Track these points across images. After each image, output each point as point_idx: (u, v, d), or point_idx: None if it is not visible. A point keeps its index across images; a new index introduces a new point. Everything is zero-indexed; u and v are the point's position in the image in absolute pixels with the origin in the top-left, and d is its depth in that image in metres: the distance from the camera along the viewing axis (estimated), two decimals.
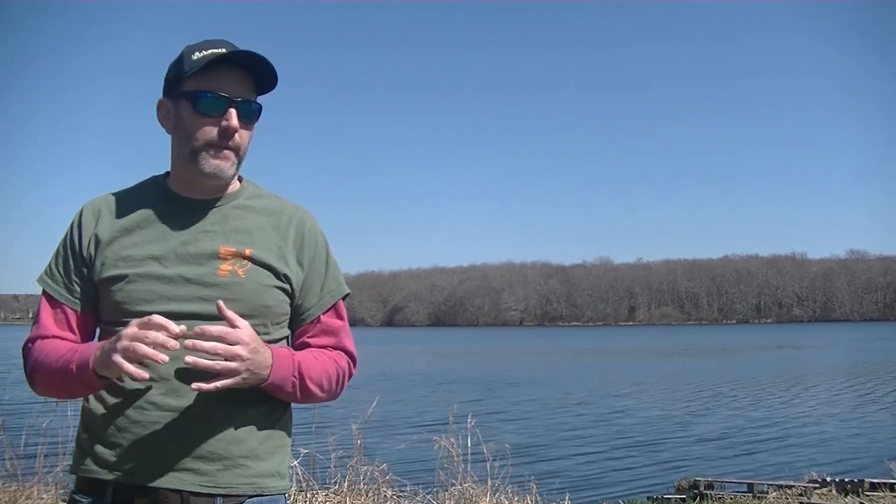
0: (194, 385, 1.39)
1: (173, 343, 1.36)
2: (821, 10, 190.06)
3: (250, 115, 1.54)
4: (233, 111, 1.49)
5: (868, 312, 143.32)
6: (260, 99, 1.58)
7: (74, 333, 1.56)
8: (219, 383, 1.39)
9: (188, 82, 1.50)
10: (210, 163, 1.51)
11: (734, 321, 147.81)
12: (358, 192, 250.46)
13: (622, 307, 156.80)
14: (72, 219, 1.60)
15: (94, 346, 1.45)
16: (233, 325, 1.41)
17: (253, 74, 1.53)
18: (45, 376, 1.52)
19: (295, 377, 1.51)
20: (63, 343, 1.53)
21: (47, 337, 1.54)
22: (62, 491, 4.83)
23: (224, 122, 1.49)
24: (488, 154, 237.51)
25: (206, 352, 1.37)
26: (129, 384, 1.46)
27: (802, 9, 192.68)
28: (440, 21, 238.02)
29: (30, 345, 1.56)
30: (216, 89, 1.49)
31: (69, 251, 1.57)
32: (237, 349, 1.39)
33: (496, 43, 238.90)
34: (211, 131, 1.50)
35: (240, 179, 1.64)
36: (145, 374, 1.36)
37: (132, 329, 1.37)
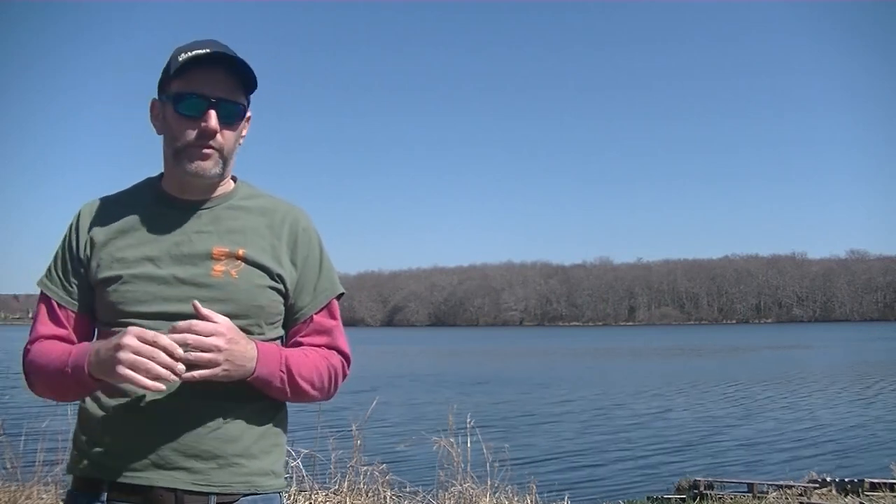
0: (185, 375, 1.38)
1: (181, 368, 1.37)
2: (821, 10, 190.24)
3: (232, 116, 1.53)
4: (212, 112, 1.49)
5: (868, 312, 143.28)
6: (259, 99, 1.59)
7: (72, 334, 1.56)
8: (196, 373, 1.38)
9: (173, 84, 1.51)
10: (193, 163, 1.51)
11: (734, 321, 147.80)
12: (358, 192, 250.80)
13: (622, 307, 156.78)
14: (69, 221, 1.61)
15: (89, 349, 1.45)
16: (209, 321, 1.42)
17: (237, 75, 1.53)
18: (41, 378, 1.53)
19: (283, 371, 1.51)
20: (58, 345, 1.53)
21: (44, 338, 1.55)
22: (62, 491, 4.84)
23: (203, 124, 1.49)
24: (488, 154, 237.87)
25: (176, 343, 1.37)
26: (125, 385, 1.46)
27: (802, 9, 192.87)
28: (440, 21, 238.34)
29: (28, 347, 1.56)
30: (197, 90, 1.49)
31: (67, 253, 1.58)
32: (212, 340, 1.39)
33: (496, 43, 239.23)
34: (192, 132, 1.50)
35: (234, 180, 1.64)
36: (162, 387, 1.36)
37: (134, 342, 1.36)
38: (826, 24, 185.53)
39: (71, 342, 1.55)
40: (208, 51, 1.49)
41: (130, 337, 1.36)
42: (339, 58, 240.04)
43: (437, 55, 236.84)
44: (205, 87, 1.49)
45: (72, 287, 1.56)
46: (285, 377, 1.51)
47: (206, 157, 1.51)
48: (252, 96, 1.61)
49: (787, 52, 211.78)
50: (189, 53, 1.48)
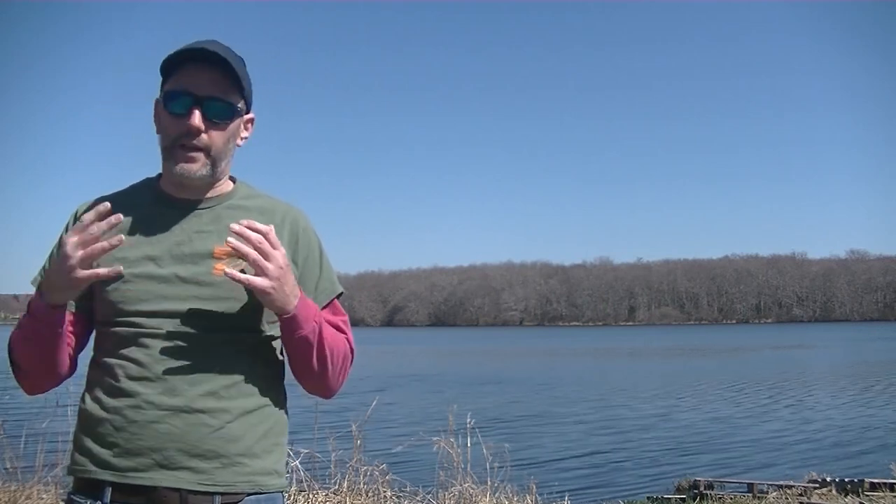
0: (239, 275, 1.41)
1: (118, 216, 1.39)
2: (821, 10, 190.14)
3: (220, 114, 1.52)
4: (195, 110, 1.49)
5: (868, 312, 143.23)
6: (259, 99, 1.59)
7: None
8: (251, 278, 1.42)
9: (168, 82, 1.52)
10: (177, 164, 1.52)
11: (734, 321, 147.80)
12: (358, 192, 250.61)
13: (622, 307, 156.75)
14: (66, 221, 1.60)
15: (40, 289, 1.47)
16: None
17: (231, 73, 1.52)
18: (21, 351, 1.51)
19: (316, 322, 1.51)
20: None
21: None
22: (62, 491, 4.84)
23: (187, 122, 1.49)
24: (488, 154, 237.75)
25: (251, 242, 1.41)
26: (124, 383, 1.47)
27: (802, 9, 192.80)
28: (440, 21, 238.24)
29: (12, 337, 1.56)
30: (183, 88, 1.50)
31: None
32: (277, 253, 1.44)
33: (496, 43, 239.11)
34: (178, 130, 1.50)
35: (233, 180, 1.65)
36: (120, 268, 1.42)
37: (73, 237, 1.38)
38: (826, 24, 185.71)
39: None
40: (188, 47, 1.48)
41: (71, 236, 1.39)
42: (339, 58, 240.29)
43: (437, 55, 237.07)
44: (191, 85, 1.49)
45: None
46: (317, 329, 1.52)
47: (190, 160, 1.51)
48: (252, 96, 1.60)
49: (787, 52, 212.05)
50: (175, 51, 1.49)
